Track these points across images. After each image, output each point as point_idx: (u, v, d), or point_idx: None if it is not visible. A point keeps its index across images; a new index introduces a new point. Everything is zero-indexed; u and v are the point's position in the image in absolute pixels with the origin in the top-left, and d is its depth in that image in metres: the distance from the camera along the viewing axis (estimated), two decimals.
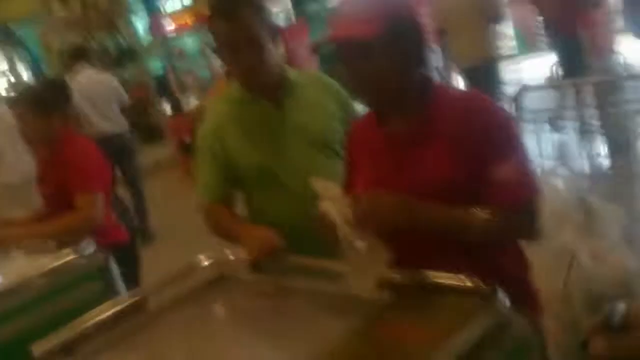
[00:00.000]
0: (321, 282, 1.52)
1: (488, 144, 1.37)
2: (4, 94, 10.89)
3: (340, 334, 1.27)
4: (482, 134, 1.38)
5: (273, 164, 1.90)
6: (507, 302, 1.20)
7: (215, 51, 1.97)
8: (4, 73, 11.95)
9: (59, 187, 2.61)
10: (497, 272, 1.34)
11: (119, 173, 5.21)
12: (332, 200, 1.38)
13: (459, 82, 5.62)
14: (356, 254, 1.32)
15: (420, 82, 1.46)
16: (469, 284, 1.24)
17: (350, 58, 1.39)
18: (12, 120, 4.64)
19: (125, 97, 5.74)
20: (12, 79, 11.64)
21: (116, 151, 4.94)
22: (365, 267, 1.33)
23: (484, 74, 5.05)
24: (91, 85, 5.27)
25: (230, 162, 1.92)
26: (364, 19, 1.35)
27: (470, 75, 5.23)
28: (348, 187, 1.61)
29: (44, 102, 2.63)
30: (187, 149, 7.49)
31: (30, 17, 10.73)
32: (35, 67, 11.12)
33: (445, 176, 1.38)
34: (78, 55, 5.56)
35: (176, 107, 8.75)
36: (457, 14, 5.00)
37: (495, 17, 5.10)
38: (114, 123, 5.46)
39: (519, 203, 1.36)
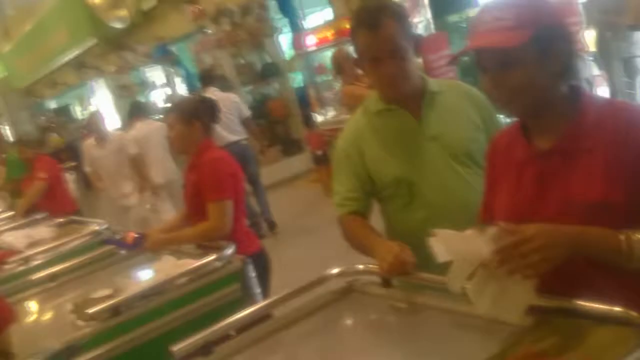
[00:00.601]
0: (454, 301, 1.45)
1: None
2: (161, 105, 11.82)
3: (474, 356, 1.21)
4: None
5: (411, 176, 1.87)
6: None
7: (355, 64, 1.97)
8: (162, 87, 12.97)
9: (195, 190, 2.81)
10: None
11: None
12: (458, 254, 1.26)
13: None
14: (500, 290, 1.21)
15: (569, 93, 1.36)
16: (624, 314, 1.13)
17: (494, 67, 1.32)
18: (159, 131, 5.42)
19: (246, 111, 6.57)
20: (169, 93, 12.59)
21: (237, 156, 5.39)
22: (510, 300, 1.21)
23: None
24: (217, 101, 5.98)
25: (368, 173, 1.92)
26: (510, 26, 1.28)
27: None
28: (488, 203, 1.54)
29: (189, 112, 2.87)
30: (321, 161, 7.67)
31: (185, 36, 11.58)
32: (188, 82, 11.95)
33: (598, 197, 1.26)
34: (206, 79, 6.66)
35: (313, 120, 8.98)
36: None
37: None
38: (234, 132, 6.22)
39: None
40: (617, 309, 1.15)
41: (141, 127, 6.19)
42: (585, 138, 1.31)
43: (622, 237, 1.21)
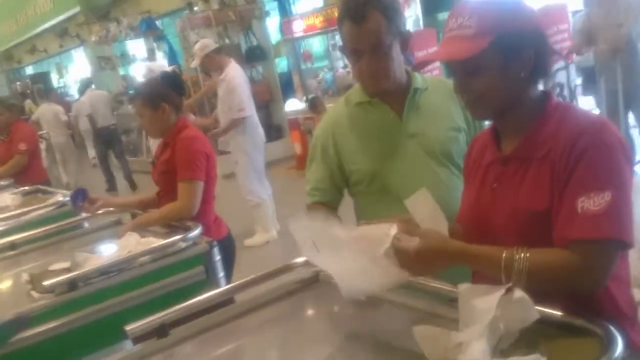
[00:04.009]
0: (416, 297, 1.46)
1: (580, 170, 1.20)
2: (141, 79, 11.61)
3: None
4: (578, 159, 1.20)
5: (386, 172, 1.84)
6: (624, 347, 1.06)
7: (340, 51, 1.93)
8: (143, 61, 12.76)
9: (167, 168, 2.73)
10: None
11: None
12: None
13: None
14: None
15: (536, 99, 1.33)
16: (584, 324, 1.11)
17: (458, 72, 1.33)
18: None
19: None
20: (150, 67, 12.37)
21: (106, 137, 9.42)
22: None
23: None
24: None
25: (342, 165, 1.89)
26: (469, 34, 1.26)
27: None
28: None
29: (155, 96, 2.74)
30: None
31: (172, 12, 11.41)
32: (171, 58, 11.79)
33: (542, 207, 1.24)
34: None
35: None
36: None
37: None
38: (106, 119, 9.41)
39: (586, 241, 1.16)
40: (578, 320, 1.14)
41: None
42: (540, 146, 1.28)
43: (504, 254, 1.20)
